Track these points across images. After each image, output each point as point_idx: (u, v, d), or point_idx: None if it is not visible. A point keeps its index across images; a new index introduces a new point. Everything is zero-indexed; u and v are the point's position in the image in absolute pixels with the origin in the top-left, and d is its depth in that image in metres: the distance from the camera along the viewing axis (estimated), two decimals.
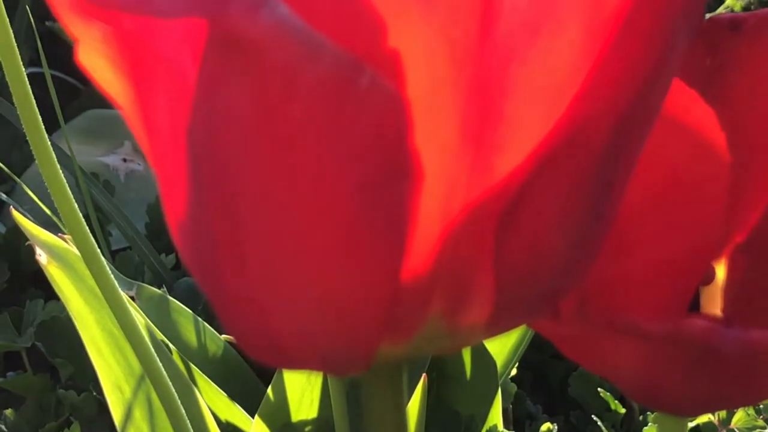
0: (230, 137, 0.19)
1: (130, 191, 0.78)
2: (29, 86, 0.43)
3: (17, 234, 0.71)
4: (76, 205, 0.43)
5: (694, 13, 0.20)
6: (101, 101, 0.79)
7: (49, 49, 0.72)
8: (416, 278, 0.21)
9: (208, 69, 0.19)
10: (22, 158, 0.78)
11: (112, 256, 0.74)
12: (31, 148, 0.43)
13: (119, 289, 0.43)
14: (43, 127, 0.43)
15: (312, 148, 0.19)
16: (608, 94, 0.20)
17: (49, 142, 0.43)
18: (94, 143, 0.78)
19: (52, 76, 0.70)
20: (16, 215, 0.46)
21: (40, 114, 0.43)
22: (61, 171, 0.44)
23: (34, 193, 0.60)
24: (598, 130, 0.20)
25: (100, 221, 0.71)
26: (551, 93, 0.20)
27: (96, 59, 0.22)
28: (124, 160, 0.78)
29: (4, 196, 0.67)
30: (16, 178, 0.60)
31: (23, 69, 0.44)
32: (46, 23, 0.90)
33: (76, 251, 0.46)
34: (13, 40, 0.43)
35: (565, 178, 0.21)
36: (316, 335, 0.21)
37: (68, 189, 0.43)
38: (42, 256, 0.46)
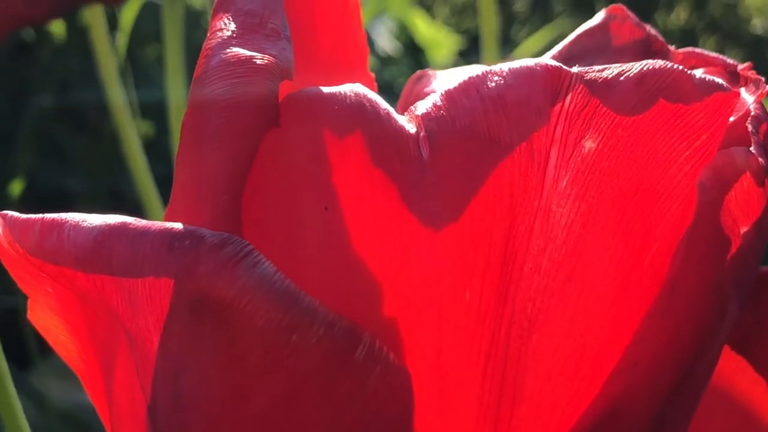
0: (198, 416, 0.16)
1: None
2: None
3: None
4: None
5: (745, 279, 0.17)
6: None
7: None
8: None
9: (174, 336, 0.16)
10: None
11: None
12: None
13: None
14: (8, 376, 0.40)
15: (297, 430, 0.16)
16: (648, 369, 0.17)
17: (14, 393, 0.40)
18: (71, 381, 0.74)
19: None
20: None
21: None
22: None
23: None
24: (637, 411, 0.17)
25: None
26: (581, 367, 0.17)
27: (48, 318, 0.19)
28: None
29: None
30: None
31: None
32: None
33: None
34: None
35: None
36: None
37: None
38: None
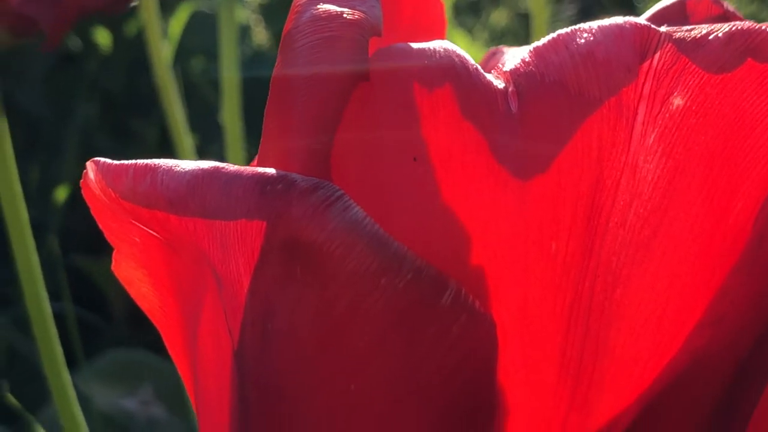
0: (286, 359, 0.16)
1: None
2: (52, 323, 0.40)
3: None
4: None
5: None
6: (123, 342, 0.76)
7: (73, 284, 0.70)
8: None
9: (264, 279, 0.16)
10: (34, 396, 0.75)
11: None
12: (51, 387, 0.40)
13: None
14: (65, 365, 0.41)
15: (382, 375, 0.16)
16: (732, 324, 0.17)
17: (70, 383, 0.40)
18: (114, 386, 0.75)
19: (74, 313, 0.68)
20: None
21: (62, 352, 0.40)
22: (79, 413, 0.41)
23: None
24: (719, 366, 0.17)
25: None
26: (663, 322, 0.17)
27: (133, 271, 0.19)
28: (144, 405, 0.75)
29: None
30: (28, 416, 0.57)
31: (48, 305, 0.41)
32: (72, 257, 0.89)
33: None
34: (40, 274, 0.41)
35: (674, 423, 0.17)
36: None
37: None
38: None
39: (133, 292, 0.19)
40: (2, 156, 0.37)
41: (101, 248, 0.80)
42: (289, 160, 0.17)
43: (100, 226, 0.19)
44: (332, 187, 0.16)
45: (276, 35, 0.96)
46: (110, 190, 0.17)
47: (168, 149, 0.84)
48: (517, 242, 0.17)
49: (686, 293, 0.17)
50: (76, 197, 0.81)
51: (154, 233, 0.18)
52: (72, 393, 0.40)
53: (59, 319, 0.66)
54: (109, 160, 0.18)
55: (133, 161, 0.17)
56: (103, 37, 0.91)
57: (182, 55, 0.90)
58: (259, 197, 0.16)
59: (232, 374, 0.18)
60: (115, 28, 0.91)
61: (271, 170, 0.16)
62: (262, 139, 0.18)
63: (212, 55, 0.91)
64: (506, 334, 0.17)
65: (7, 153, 0.37)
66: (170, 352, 0.20)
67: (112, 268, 0.19)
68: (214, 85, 0.85)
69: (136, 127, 0.90)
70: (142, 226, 0.18)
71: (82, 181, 0.18)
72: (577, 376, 0.17)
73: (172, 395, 0.73)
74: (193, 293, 0.18)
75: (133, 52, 0.91)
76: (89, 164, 0.18)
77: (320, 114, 0.17)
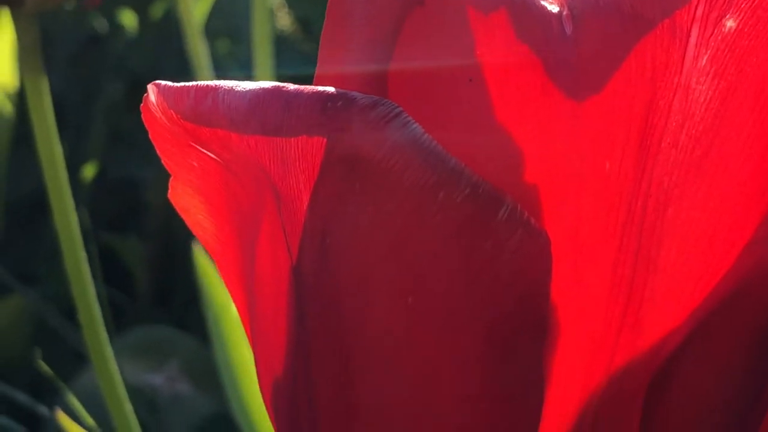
0: (345, 273, 0.17)
1: (174, 413, 0.75)
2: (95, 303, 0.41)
3: None
4: (135, 422, 0.40)
5: None
6: (150, 318, 0.77)
7: (101, 263, 0.71)
8: None
9: (323, 195, 0.17)
10: (63, 371, 0.76)
11: None
12: (92, 361, 0.41)
13: None
14: (106, 338, 0.41)
15: (440, 288, 0.17)
16: None
17: (112, 356, 0.41)
18: (140, 362, 0.76)
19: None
20: (64, 420, 0.43)
21: None
22: (122, 388, 0.42)
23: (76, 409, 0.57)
24: None
25: None
26: (714, 241, 0.17)
27: (189, 198, 0.19)
28: (170, 381, 0.76)
29: (46, 411, 0.64)
30: (64, 388, 0.58)
31: (91, 282, 0.42)
32: (98, 235, 0.89)
33: None
34: (83, 253, 0.41)
35: (724, 346, 0.18)
36: None
37: (128, 405, 0.41)
38: None
39: (189, 221, 0.20)
40: (43, 119, 0.37)
41: (127, 226, 0.81)
42: (346, 84, 0.17)
43: (159, 152, 0.19)
44: (391, 104, 0.16)
45: (299, 19, 0.96)
46: (171, 111, 0.18)
47: None
48: (571, 162, 0.17)
49: (737, 213, 0.17)
50: (102, 176, 0.82)
51: (214, 156, 0.18)
52: (114, 367, 0.40)
53: None
54: (170, 83, 0.18)
55: (194, 83, 0.18)
56: (129, 19, 0.92)
57: (207, 37, 0.90)
58: (320, 114, 0.16)
59: (290, 293, 0.18)
60: (141, 10, 0.92)
61: (331, 88, 0.16)
62: (318, 64, 0.18)
63: (237, 37, 0.91)
64: (560, 252, 0.17)
65: (48, 115, 0.37)
66: (225, 281, 0.20)
67: (169, 195, 0.20)
68: (241, 67, 0.86)
69: None
70: (201, 149, 0.18)
71: (142, 105, 0.18)
72: (628, 295, 0.17)
73: (198, 371, 0.74)
74: (250, 216, 0.19)
75: (159, 34, 0.91)
76: (150, 87, 0.18)
77: (376, 37, 0.18)
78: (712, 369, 0.18)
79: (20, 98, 0.74)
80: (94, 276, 0.69)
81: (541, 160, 0.17)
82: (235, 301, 0.20)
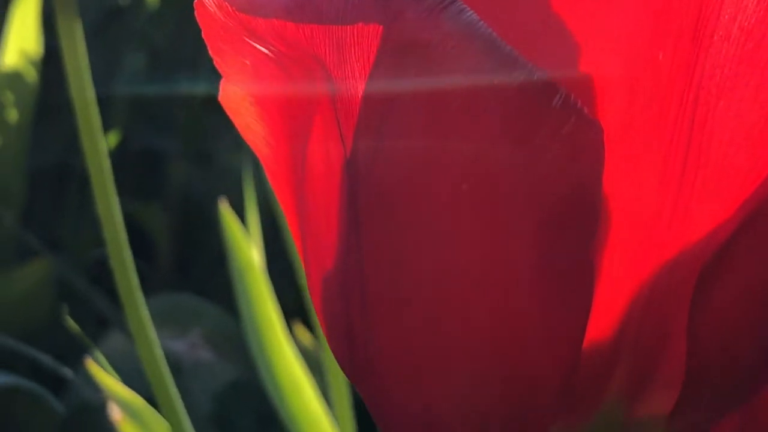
0: (401, 159, 0.17)
1: (196, 379, 0.75)
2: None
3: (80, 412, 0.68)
4: (171, 383, 0.40)
5: None
6: (172, 286, 0.77)
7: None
8: (599, 344, 0.18)
9: (380, 81, 0.17)
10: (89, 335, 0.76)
11: None
12: (129, 323, 0.41)
13: None
14: (143, 302, 0.41)
15: (494, 174, 0.17)
16: None
17: (148, 319, 0.41)
18: (162, 329, 0.76)
19: None
20: (94, 369, 0.43)
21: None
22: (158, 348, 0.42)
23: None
24: None
25: None
26: (765, 135, 0.17)
27: (240, 100, 0.20)
28: (192, 348, 0.76)
29: (69, 374, 0.65)
30: (90, 345, 0.58)
31: (127, 244, 0.42)
32: (120, 202, 0.90)
33: (153, 410, 0.43)
34: (120, 215, 0.41)
35: None
36: (481, 412, 0.18)
37: (165, 367, 0.41)
38: (115, 412, 0.43)
39: (238, 123, 0.20)
40: (76, 63, 0.37)
41: (149, 194, 0.81)
42: None
43: (211, 52, 0.19)
44: None
45: None
46: (227, 4, 0.18)
47: (214, 104, 0.84)
48: (624, 52, 0.17)
49: None
50: (123, 146, 0.82)
51: (267, 50, 0.18)
52: (151, 329, 0.40)
53: (108, 264, 0.67)
54: None
55: None
56: None
57: None
58: (375, 1, 0.17)
59: (342, 188, 0.18)
60: None
61: None
62: None
63: None
64: (612, 143, 0.17)
65: (81, 59, 0.37)
66: (273, 185, 0.20)
67: (219, 98, 0.20)
68: None
69: (182, 80, 0.91)
70: (255, 44, 0.18)
71: (196, 1, 0.19)
72: (679, 186, 0.18)
73: (220, 339, 0.74)
74: (302, 115, 0.19)
75: (181, 7, 0.91)
76: None
77: None
78: (764, 259, 0.18)
79: (44, 65, 0.75)
80: None
81: (595, 51, 0.17)
82: (283, 205, 0.20)
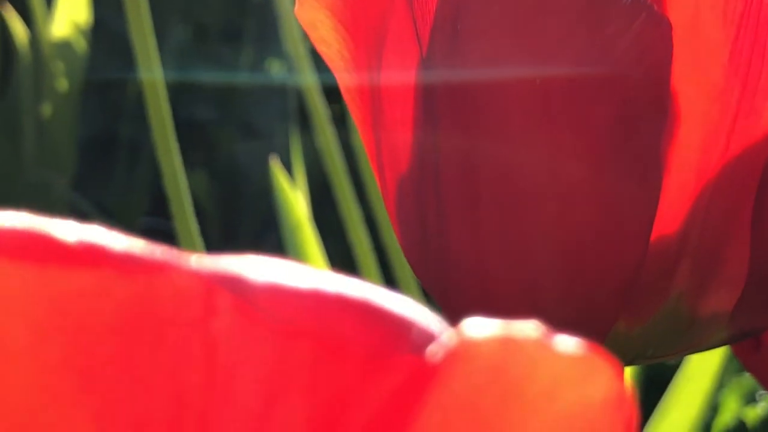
0: (476, 55, 0.18)
1: None
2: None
3: None
4: None
5: None
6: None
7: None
8: (664, 241, 0.18)
9: None
10: None
11: None
12: None
13: None
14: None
15: (567, 68, 0.17)
16: None
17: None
18: None
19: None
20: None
21: None
22: None
23: None
24: None
25: None
26: None
27: (315, 12, 0.20)
28: None
29: None
30: None
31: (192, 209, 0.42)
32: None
33: None
34: (183, 177, 0.41)
35: None
36: (547, 305, 0.19)
37: None
38: None
39: (313, 36, 0.21)
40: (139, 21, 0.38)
41: (194, 162, 0.82)
42: None
43: None
44: None
45: None
46: None
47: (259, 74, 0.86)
48: None
49: None
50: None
51: None
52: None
53: (154, 233, 0.68)
54: None
55: None
56: None
57: None
58: None
59: (418, 88, 0.19)
60: None
61: None
62: None
63: None
64: (680, 40, 0.18)
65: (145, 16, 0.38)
66: (347, 98, 0.21)
67: (295, 11, 0.21)
68: None
69: (227, 54, 0.92)
70: None
71: None
72: (744, 83, 0.18)
73: None
74: (378, 18, 0.19)
75: None
76: None
77: None
78: None
79: (94, 35, 0.76)
80: (165, 214, 0.71)
81: None
82: (356, 117, 0.21)
